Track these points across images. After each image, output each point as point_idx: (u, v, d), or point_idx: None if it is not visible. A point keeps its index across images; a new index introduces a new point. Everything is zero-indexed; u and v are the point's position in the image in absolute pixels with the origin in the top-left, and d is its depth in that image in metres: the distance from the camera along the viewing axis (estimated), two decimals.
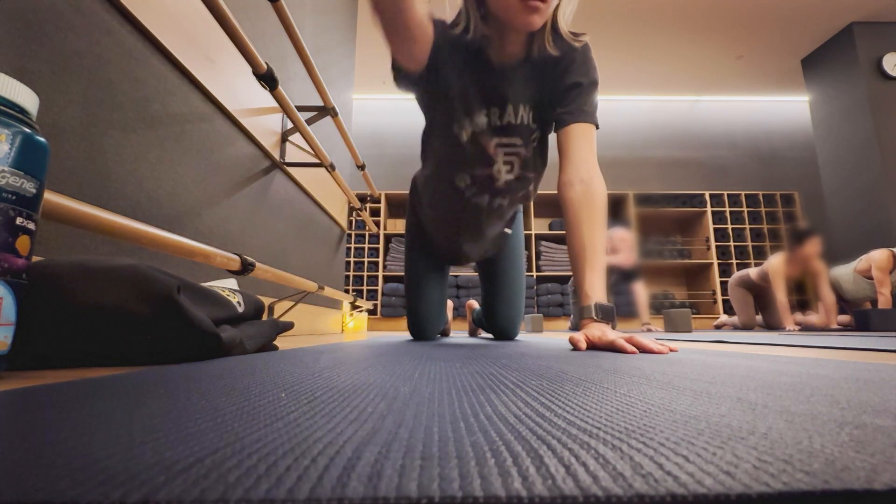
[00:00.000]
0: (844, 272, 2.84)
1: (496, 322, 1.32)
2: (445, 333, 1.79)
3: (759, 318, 3.16)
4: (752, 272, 3.11)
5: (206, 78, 1.02)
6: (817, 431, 0.15)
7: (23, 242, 0.33)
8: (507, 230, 1.28)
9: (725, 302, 4.47)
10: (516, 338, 1.36)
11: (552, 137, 1.00)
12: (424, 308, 1.27)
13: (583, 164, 0.81)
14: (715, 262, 4.64)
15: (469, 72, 0.85)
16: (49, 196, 0.46)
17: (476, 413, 0.19)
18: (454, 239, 1.16)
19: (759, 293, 3.13)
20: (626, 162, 5.14)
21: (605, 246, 0.79)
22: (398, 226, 4.62)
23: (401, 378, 0.31)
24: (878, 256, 2.62)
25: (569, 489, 0.10)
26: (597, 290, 0.74)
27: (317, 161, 1.66)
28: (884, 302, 2.51)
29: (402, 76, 0.82)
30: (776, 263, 2.86)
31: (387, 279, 4.59)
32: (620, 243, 2.80)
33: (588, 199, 0.79)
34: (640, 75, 4.81)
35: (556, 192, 0.83)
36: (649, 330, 2.68)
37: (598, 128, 0.84)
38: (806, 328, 2.66)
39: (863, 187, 3.64)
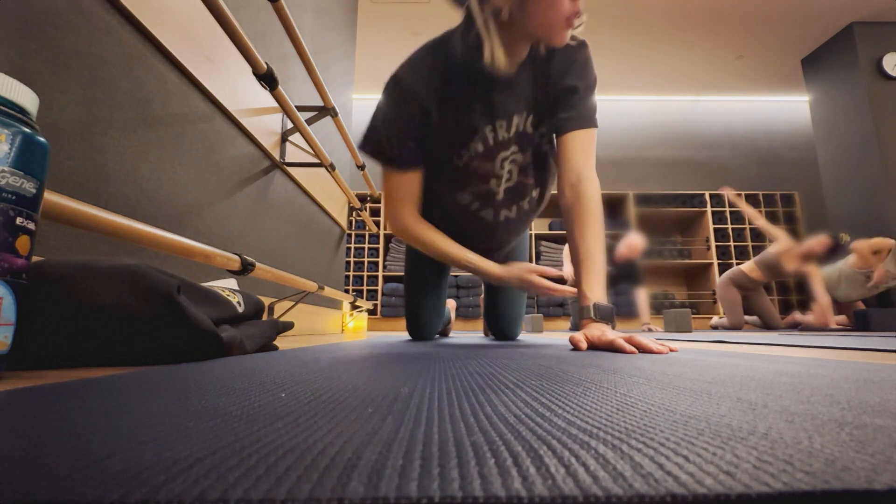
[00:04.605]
0: (833, 270, 2.84)
1: (497, 322, 1.32)
2: (445, 334, 1.78)
3: (749, 318, 3.16)
4: (746, 268, 3.05)
5: (206, 78, 1.02)
6: (817, 431, 0.15)
7: (23, 242, 0.33)
8: None
9: None
10: (518, 338, 1.36)
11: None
12: (424, 310, 1.27)
13: (573, 170, 0.82)
14: (715, 262, 4.64)
15: (475, 99, 0.84)
16: (49, 196, 0.46)
17: (476, 413, 0.19)
18: (473, 247, 1.05)
19: (750, 292, 3.10)
20: (626, 162, 5.14)
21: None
22: None
23: (401, 378, 0.31)
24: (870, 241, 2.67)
25: (569, 489, 0.10)
26: (596, 291, 0.74)
27: (317, 161, 1.66)
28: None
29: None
30: (784, 244, 2.82)
31: (387, 279, 4.59)
32: (630, 250, 2.80)
33: (580, 203, 0.80)
34: (640, 75, 4.81)
35: (556, 192, 0.85)
36: (649, 330, 2.68)
37: (596, 127, 0.85)
38: (805, 328, 2.65)
39: (863, 187, 3.64)
